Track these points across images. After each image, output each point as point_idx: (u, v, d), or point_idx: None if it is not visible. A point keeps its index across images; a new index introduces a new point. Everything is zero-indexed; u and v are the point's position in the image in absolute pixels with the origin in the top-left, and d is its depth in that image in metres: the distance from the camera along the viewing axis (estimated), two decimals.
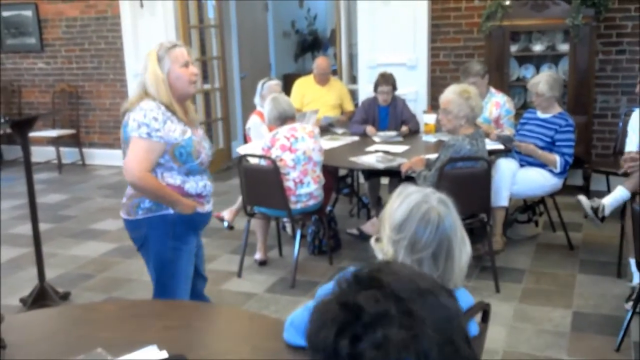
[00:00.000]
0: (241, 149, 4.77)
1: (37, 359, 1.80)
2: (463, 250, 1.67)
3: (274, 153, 4.11)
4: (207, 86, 7.41)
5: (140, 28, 7.19)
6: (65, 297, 4.05)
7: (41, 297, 3.87)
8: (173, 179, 2.70)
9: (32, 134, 3.99)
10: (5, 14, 8.00)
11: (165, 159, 2.66)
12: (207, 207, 2.84)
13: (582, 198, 4.13)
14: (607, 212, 4.01)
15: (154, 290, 2.85)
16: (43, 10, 7.85)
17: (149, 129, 2.59)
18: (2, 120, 8.09)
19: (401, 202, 1.67)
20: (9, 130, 6.51)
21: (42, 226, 4.09)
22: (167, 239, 2.74)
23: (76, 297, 4.09)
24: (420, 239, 1.62)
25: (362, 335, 0.86)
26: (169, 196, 2.69)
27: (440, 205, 1.66)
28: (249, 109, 6.43)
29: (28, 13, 7.87)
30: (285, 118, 4.23)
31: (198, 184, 2.77)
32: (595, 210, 4.02)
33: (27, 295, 3.93)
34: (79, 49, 7.83)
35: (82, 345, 1.85)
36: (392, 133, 5.15)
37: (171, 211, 2.71)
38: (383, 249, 1.69)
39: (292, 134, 4.15)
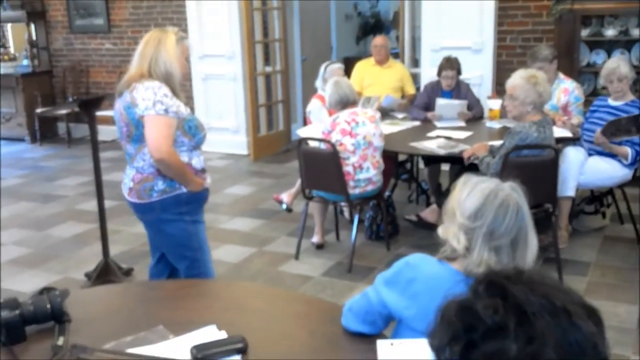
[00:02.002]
0: (301, 132, 4.77)
1: (100, 333, 1.84)
2: (534, 238, 1.65)
3: (334, 137, 4.09)
4: (268, 69, 7.43)
5: (204, 10, 7.26)
6: (128, 273, 4.16)
7: (105, 273, 3.99)
8: (181, 155, 2.70)
9: (99, 113, 4.10)
10: None
11: (177, 134, 2.67)
12: (209, 181, 2.86)
13: None
14: None
15: (184, 270, 2.82)
16: None
17: (164, 105, 2.60)
18: (71, 100, 8.33)
19: (471, 190, 1.64)
20: (77, 110, 6.72)
21: (107, 203, 4.20)
22: (183, 216, 2.75)
23: (139, 273, 4.19)
24: (500, 227, 1.60)
25: (477, 344, 0.83)
26: (188, 174, 2.70)
27: (515, 193, 1.64)
28: (309, 91, 6.42)
29: None
30: (346, 102, 4.20)
31: (200, 158, 2.79)
32: None
33: (92, 270, 4.06)
34: (144, 30, 7.88)
35: (144, 322, 1.89)
36: (456, 102, 5.02)
37: (184, 190, 2.71)
38: (456, 237, 1.65)
39: (353, 119, 4.11)
